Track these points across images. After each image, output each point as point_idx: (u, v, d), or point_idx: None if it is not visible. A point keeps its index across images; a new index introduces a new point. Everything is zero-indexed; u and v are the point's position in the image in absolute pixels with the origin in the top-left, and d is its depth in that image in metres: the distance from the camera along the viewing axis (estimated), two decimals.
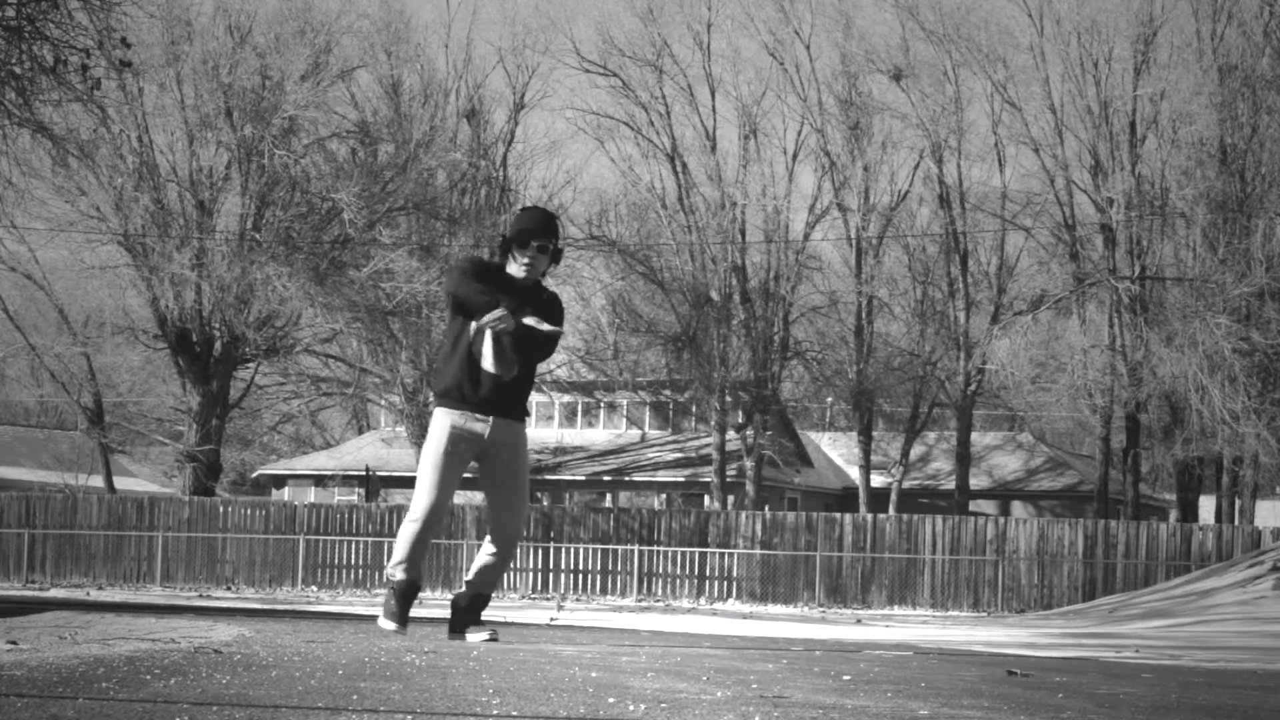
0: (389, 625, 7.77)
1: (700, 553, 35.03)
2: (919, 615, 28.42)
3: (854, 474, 52.02)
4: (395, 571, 7.76)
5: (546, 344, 7.66)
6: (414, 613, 8.35)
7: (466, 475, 7.96)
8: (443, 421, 7.68)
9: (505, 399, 7.64)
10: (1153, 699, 5.21)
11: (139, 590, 32.28)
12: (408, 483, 41.59)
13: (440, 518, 7.75)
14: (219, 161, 41.22)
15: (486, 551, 7.71)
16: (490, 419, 7.61)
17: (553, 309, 7.68)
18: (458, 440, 7.63)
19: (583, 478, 50.64)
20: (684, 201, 47.55)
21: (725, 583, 34.85)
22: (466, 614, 7.72)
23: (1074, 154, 44.30)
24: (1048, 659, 8.54)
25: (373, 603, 24.11)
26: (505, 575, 7.94)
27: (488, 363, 7.65)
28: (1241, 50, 42.44)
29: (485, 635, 7.57)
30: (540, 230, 7.61)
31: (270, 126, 40.05)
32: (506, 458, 7.66)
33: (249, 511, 37.57)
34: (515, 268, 7.61)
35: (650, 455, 51.42)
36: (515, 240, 7.63)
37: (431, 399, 8.11)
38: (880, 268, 47.42)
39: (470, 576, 7.78)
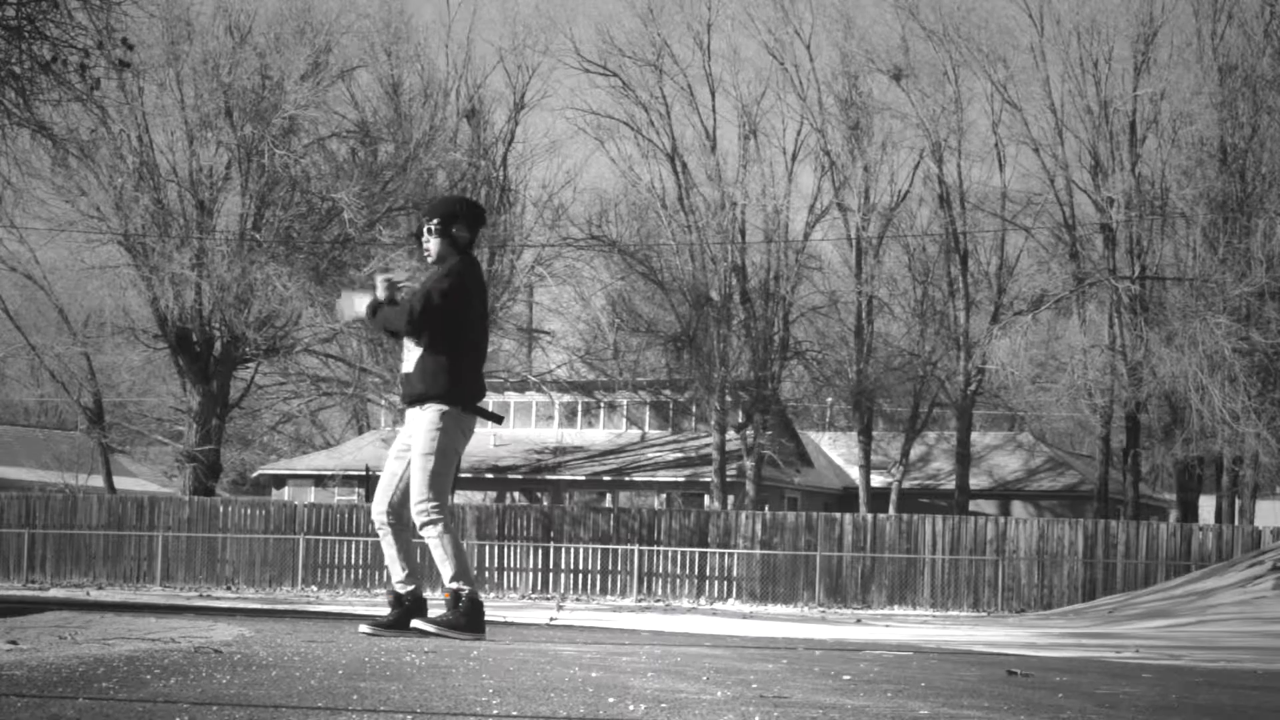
0: (466, 638, 7.57)
1: (700, 553, 35.02)
2: (919, 615, 28.41)
3: (854, 474, 51.99)
4: (463, 586, 7.72)
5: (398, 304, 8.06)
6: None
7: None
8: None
9: (406, 387, 8.02)
10: (1153, 699, 5.21)
11: (139, 590, 32.26)
12: None
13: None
14: (219, 161, 41.22)
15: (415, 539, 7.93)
16: (407, 410, 8.06)
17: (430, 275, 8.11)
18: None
19: (583, 478, 50.61)
20: (684, 201, 47.52)
21: (725, 582, 34.83)
22: (412, 613, 7.84)
23: (1074, 154, 44.32)
24: (1048, 659, 8.54)
25: (373, 603, 24.07)
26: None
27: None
28: (1241, 50, 42.42)
29: (432, 629, 7.63)
30: (423, 215, 8.26)
31: (270, 126, 40.04)
32: (414, 442, 7.93)
33: (249, 511, 37.56)
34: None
35: (650, 455, 51.40)
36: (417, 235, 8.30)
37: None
38: (880, 268, 47.40)
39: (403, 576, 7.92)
